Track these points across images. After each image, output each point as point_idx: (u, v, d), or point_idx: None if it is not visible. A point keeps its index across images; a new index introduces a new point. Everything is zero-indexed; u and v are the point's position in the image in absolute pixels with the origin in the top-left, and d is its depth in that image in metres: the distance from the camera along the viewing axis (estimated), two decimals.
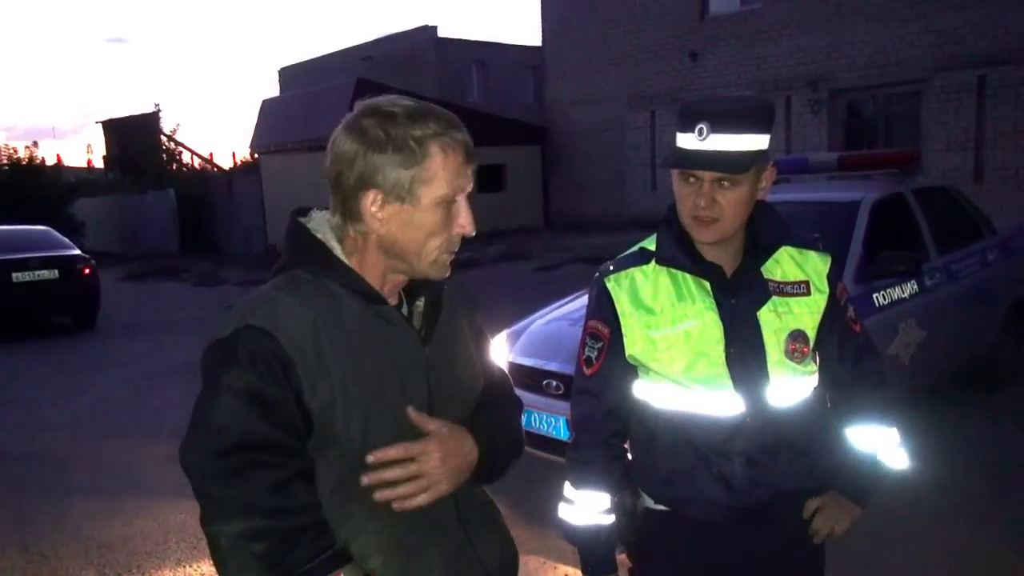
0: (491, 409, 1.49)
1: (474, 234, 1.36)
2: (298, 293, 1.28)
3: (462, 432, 1.38)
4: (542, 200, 22.40)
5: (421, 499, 1.31)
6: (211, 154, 31.40)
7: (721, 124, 1.53)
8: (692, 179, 1.58)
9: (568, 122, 21.09)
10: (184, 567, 3.85)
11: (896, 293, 4.53)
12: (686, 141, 1.57)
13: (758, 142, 1.56)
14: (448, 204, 1.31)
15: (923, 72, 14.62)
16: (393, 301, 1.38)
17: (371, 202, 1.29)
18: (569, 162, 21.28)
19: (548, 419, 4.07)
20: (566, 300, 5.01)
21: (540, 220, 22.04)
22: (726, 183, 1.56)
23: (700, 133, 1.53)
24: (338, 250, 1.35)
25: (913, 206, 5.12)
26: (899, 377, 4.23)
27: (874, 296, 4.38)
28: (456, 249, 1.36)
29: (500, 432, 1.47)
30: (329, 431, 1.26)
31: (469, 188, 1.34)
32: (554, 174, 21.95)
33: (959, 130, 14.33)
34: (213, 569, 3.84)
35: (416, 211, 1.30)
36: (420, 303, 1.42)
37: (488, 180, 20.36)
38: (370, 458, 1.28)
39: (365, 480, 1.28)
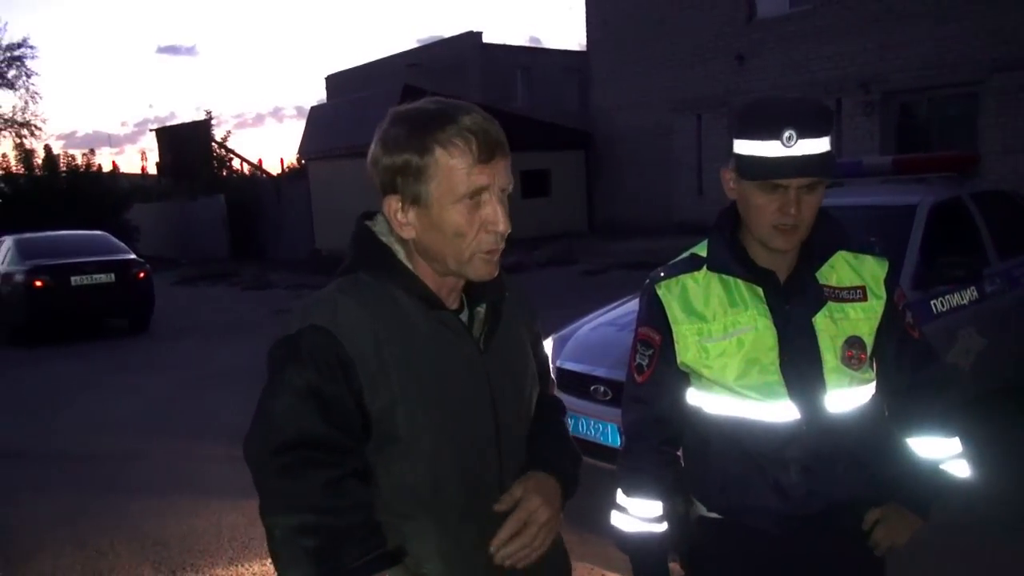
0: (544, 429, 1.51)
1: (508, 230, 1.30)
2: (359, 296, 1.30)
3: (543, 477, 1.41)
4: (587, 205, 22.33)
5: (532, 557, 1.36)
6: (260, 160, 32.07)
7: (808, 129, 1.49)
8: (778, 188, 1.53)
9: (613, 127, 21.00)
10: (237, 566, 3.92)
11: (955, 300, 4.41)
12: (769, 149, 1.50)
13: (831, 143, 1.54)
14: (469, 202, 1.27)
15: (980, 73, 14.22)
16: (454, 305, 1.39)
17: (392, 209, 1.31)
18: (614, 167, 21.18)
19: (596, 425, 4.05)
20: (613, 305, 4.99)
21: (585, 225, 21.98)
22: (809, 188, 1.53)
23: (789, 139, 1.49)
24: (401, 254, 1.36)
25: (972, 210, 4.98)
26: (958, 386, 4.11)
27: (932, 303, 4.27)
28: (493, 247, 1.31)
29: (560, 452, 1.50)
30: (390, 433, 1.28)
31: (498, 184, 1.29)
32: (599, 179, 21.86)
33: (1018, 132, 13.91)
34: (265, 568, 3.90)
35: (433, 213, 1.28)
36: (481, 309, 1.41)
37: (533, 185, 20.37)
38: (494, 551, 1.33)
39: (495, 553, 1.33)
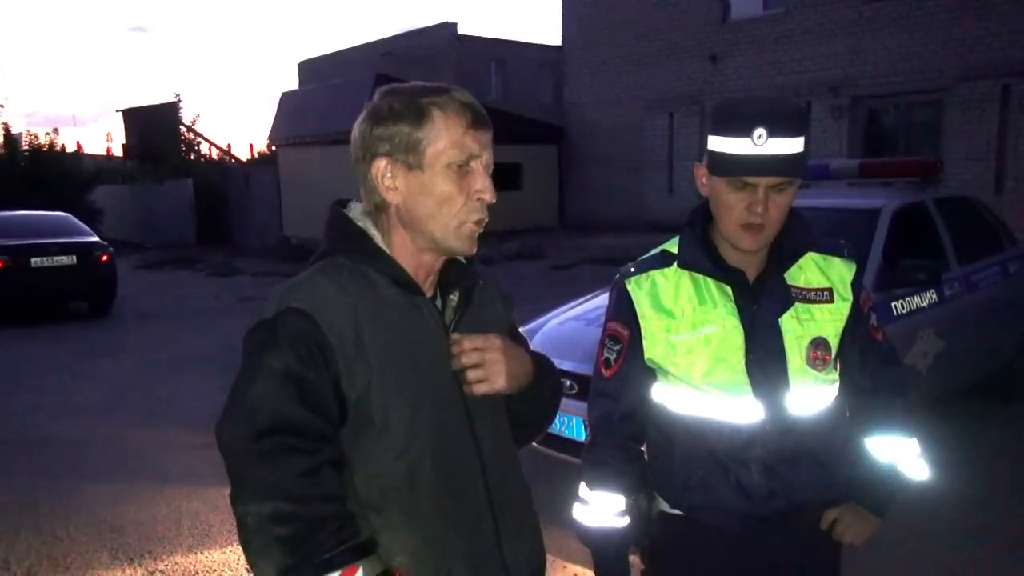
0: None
1: (494, 201, 1.34)
2: (339, 278, 1.30)
3: (518, 346, 1.45)
4: (558, 200, 22.36)
5: (481, 388, 1.36)
6: (229, 145, 31.58)
7: (780, 128, 1.50)
8: (747, 186, 1.53)
9: (586, 123, 21.04)
10: (196, 553, 3.87)
11: (915, 302, 4.50)
12: (739, 147, 1.51)
13: (804, 144, 1.55)
14: (459, 169, 1.31)
15: (946, 81, 14.49)
16: (430, 291, 1.40)
17: (380, 172, 1.31)
18: (586, 163, 21.23)
19: (561, 418, 4.06)
20: (581, 300, 5.00)
21: (555, 220, 22.00)
22: (778, 188, 1.54)
23: (759, 138, 1.49)
24: (378, 238, 1.37)
25: (934, 215, 5.08)
26: (916, 387, 4.19)
27: (892, 305, 4.35)
28: (478, 218, 1.34)
29: (547, 367, 1.54)
30: (365, 416, 1.27)
31: (485, 155, 1.34)
32: (570, 174, 21.90)
33: (981, 140, 14.19)
34: (225, 557, 3.86)
35: (424, 176, 1.30)
36: (454, 296, 1.42)
37: (504, 179, 20.32)
38: (453, 349, 1.35)
39: (453, 364, 1.35)
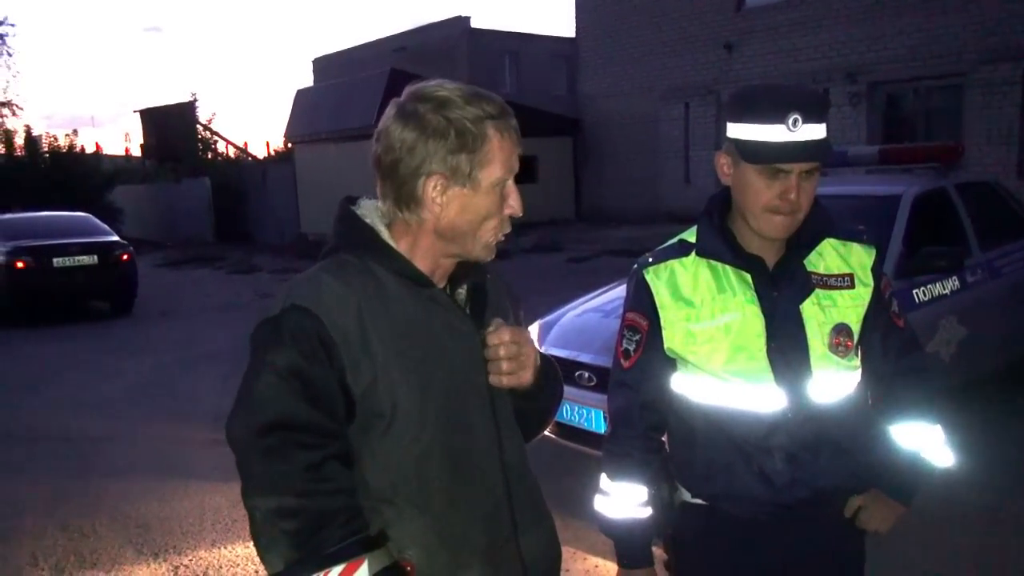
0: None
1: (521, 215, 1.38)
2: (344, 275, 1.30)
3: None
4: (574, 192, 22.31)
5: (510, 380, 1.37)
6: (246, 143, 31.76)
7: (811, 114, 1.50)
8: (779, 173, 1.53)
9: (601, 114, 20.97)
10: (219, 548, 3.91)
11: (937, 289, 4.44)
12: (773, 133, 1.50)
13: (826, 130, 1.55)
14: (502, 186, 1.34)
15: (965, 65, 14.29)
16: (440, 284, 1.40)
17: (432, 187, 1.31)
18: (601, 154, 21.17)
19: (580, 410, 4.06)
20: (598, 292, 4.99)
21: (572, 212, 21.97)
22: (808, 174, 1.53)
23: (794, 124, 1.49)
24: (385, 235, 1.37)
25: (955, 201, 5.02)
26: (939, 375, 4.15)
27: (914, 292, 4.30)
28: (507, 230, 1.38)
29: (553, 365, 1.56)
30: (373, 411, 1.28)
31: (516, 170, 1.37)
32: (586, 166, 21.86)
33: (1002, 124, 14.00)
34: (248, 551, 3.90)
35: (476, 195, 1.32)
36: (463, 290, 1.43)
37: (520, 172, 20.06)
38: (491, 339, 1.35)
39: (487, 354, 1.35)
